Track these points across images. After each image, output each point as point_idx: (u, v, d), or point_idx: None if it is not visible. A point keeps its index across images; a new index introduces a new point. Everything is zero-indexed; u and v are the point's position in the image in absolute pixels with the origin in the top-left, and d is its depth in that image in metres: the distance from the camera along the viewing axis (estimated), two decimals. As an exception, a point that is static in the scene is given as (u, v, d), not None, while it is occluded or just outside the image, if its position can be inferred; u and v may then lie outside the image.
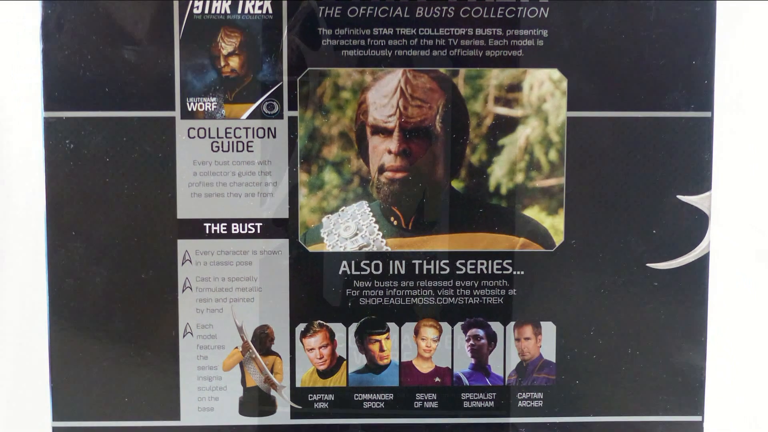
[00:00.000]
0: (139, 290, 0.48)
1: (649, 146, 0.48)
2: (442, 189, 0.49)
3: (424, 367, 0.50)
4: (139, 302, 0.48)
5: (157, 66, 0.47)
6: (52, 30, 0.47)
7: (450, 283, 0.49)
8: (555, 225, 0.49)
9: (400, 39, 0.48)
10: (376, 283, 0.49)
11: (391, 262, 0.49)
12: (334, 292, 0.49)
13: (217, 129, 0.48)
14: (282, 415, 0.50)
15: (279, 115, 0.48)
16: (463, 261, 0.49)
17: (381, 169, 0.49)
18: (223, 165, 0.48)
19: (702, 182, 0.49)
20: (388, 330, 0.49)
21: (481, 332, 0.50)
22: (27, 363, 0.52)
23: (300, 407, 0.50)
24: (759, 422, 0.54)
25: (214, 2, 0.47)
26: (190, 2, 0.47)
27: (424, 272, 0.49)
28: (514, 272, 0.49)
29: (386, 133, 0.48)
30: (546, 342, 0.50)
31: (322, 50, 0.48)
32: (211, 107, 0.48)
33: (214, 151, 0.48)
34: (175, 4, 0.47)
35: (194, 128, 0.48)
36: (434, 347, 0.50)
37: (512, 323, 0.50)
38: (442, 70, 0.48)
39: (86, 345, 0.48)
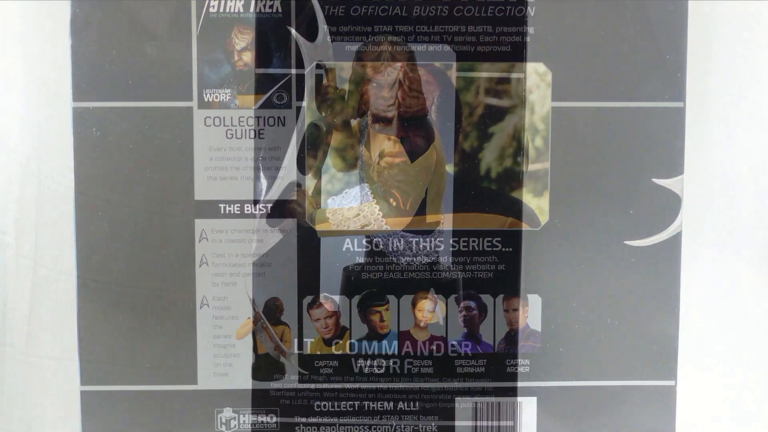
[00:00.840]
0: (159, 265, 0.51)
1: (626, 133, 0.51)
2: (437, 173, 0.51)
3: (421, 336, 0.52)
4: (159, 276, 0.51)
5: (176, 60, 0.50)
6: (81, 27, 0.49)
7: (444, 259, 0.51)
8: (541, 206, 0.51)
9: (399, 35, 0.50)
10: (377, 259, 0.51)
11: (390, 239, 0.51)
12: (338, 267, 0.51)
13: (231, 118, 0.50)
14: (290, 379, 0.52)
15: (287, 105, 0.50)
16: (457, 239, 0.51)
17: (381, 155, 0.51)
18: (236, 151, 0.50)
19: (675, 166, 0.51)
20: (387, 302, 0.52)
21: (473, 304, 0.52)
22: (57, 332, 0.53)
23: (307, 372, 0.52)
24: (727, 386, 0.56)
25: (229, 1, 0.49)
26: (207, 1, 0.49)
27: (421, 249, 0.51)
28: (503, 249, 0.51)
29: (386, 121, 0.50)
30: (532, 313, 0.52)
31: (327, 46, 0.50)
32: (225, 98, 0.50)
33: (228, 138, 0.50)
34: (193, 3, 0.49)
35: (210, 117, 0.50)
36: (430, 318, 0.52)
37: (501, 296, 0.52)
38: (437, 63, 0.50)
39: (111, 315, 0.51)
